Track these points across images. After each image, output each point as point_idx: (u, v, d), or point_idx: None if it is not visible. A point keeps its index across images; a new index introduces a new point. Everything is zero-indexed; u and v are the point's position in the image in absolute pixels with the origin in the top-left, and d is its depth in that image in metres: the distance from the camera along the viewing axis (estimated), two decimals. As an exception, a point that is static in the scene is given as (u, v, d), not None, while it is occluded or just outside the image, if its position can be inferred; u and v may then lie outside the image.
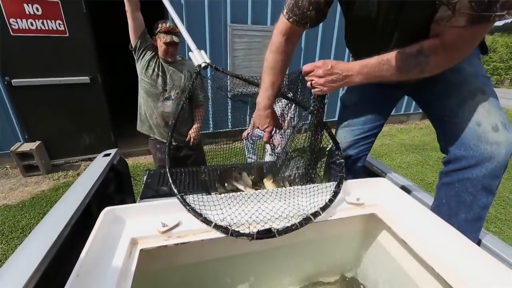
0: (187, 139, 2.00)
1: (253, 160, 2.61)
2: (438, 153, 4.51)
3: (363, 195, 0.87)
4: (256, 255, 0.87)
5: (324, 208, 0.76)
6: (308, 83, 0.87)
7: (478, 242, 0.84)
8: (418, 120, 6.28)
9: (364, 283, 0.93)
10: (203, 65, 1.12)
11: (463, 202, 0.81)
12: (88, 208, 0.98)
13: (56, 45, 3.22)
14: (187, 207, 0.73)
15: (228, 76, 1.28)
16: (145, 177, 1.71)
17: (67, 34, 3.24)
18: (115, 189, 1.38)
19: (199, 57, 1.15)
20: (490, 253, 0.67)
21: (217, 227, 0.68)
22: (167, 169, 0.83)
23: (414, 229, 0.74)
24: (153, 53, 1.86)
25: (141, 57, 1.85)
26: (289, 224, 0.70)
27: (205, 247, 0.76)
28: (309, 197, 0.82)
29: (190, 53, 1.19)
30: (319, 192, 0.82)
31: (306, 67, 0.86)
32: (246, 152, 2.74)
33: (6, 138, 3.42)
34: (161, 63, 1.89)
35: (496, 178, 0.77)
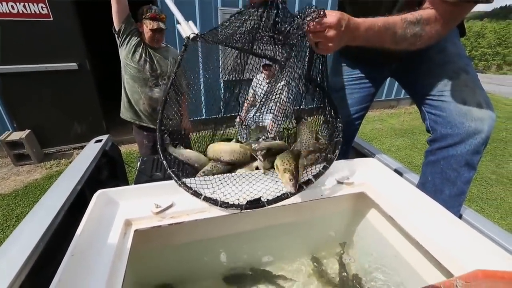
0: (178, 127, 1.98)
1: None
2: (426, 136, 4.62)
3: (352, 174, 0.90)
4: (250, 235, 0.89)
5: (317, 176, 0.74)
6: (312, 43, 0.75)
7: (460, 216, 0.89)
8: (408, 105, 6.34)
9: (354, 257, 0.97)
10: (191, 36, 1.05)
11: (447, 178, 0.84)
12: (81, 193, 0.99)
13: (40, 30, 3.09)
14: (178, 181, 0.72)
15: (220, 58, 1.25)
16: (138, 163, 1.71)
17: (51, 18, 3.10)
18: (109, 175, 1.38)
19: (187, 28, 1.07)
20: (471, 226, 0.71)
21: (207, 199, 0.68)
22: (158, 146, 0.82)
23: (401, 206, 0.77)
24: (139, 39, 1.82)
25: (126, 42, 1.80)
26: (279, 194, 0.70)
27: (199, 227, 0.78)
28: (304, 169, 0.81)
29: (178, 25, 1.12)
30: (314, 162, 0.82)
31: (314, 26, 0.68)
32: (239, 138, 2.74)
33: (-6, 128, 3.34)
34: (148, 49, 1.86)
35: (478, 153, 0.80)
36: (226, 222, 0.81)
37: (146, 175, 1.40)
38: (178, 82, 1.63)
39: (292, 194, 0.69)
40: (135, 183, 1.30)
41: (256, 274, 0.91)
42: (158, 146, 0.82)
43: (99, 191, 0.71)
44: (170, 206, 0.71)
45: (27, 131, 3.32)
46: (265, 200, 0.68)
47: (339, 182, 0.85)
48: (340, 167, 0.92)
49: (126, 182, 1.60)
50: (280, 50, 1.01)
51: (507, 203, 2.86)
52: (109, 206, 0.71)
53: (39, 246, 0.69)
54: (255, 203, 0.67)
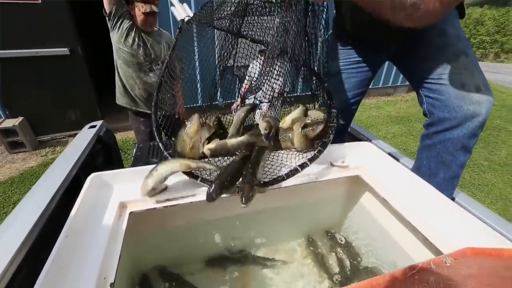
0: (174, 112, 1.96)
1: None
2: (422, 123, 4.65)
3: (348, 158, 0.90)
4: (244, 217, 0.90)
5: (312, 159, 0.74)
6: None
7: (452, 199, 0.90)
8: (405, 92, 6.33)
9: (347, 239, 0.99)
10: (186, 19, 1.03)
11: (443, 162, 0.85)
12: (76, 179, 0.98)
13: (27, 13, 2.98)
14: None
15: (216, 40, 1.22)
16: (134, 150, 1.70)
17: (39, 1, 2.99)
18: (104, 161, 1.37)
19: (181, 11, 1.06)
20: (464, 208, 0.72)
21: (204, 180, 0.68)
22: (154, 128, 0.81)
23: (396, 189, 0.78)
24: (131, 22, 1.76)
25: (118, 25, 1.75)
26: (275, 176, 0.70)
27: (194, 210, 0.78)
28: (299, 153, 0.81)
29: (172, 8, 1.10)
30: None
31: None
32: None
33: (-15, 115, 3.28)
34: (141, 34, 1.80)
35: (474, 137, 0.81)
36: (222, 205, 0.81)
37: (142, 162, 1.40)
38: (172, 66, 1.59)
39: (302, 167, 0.70)
40: (131, 169, 1.29)
41: (250, 256, 0.93)
42: (154, 128, 0.81)
43: (93, 174, 0.71)
44: (165, 189, 0.71)
45: (20, 118, 3.27)
46: (261, 182, 0.68)
47: (334, 166, 0.86)
48: (335, 151, 0.92)
49: (121, 168, 1.60)
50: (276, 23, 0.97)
51: (497, 189, 2.92)
52: (103, 189, 0.70)
53: (34, 230, 0.69)
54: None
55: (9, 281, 0.58)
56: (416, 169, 0.93)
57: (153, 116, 0.84)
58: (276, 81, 1.10)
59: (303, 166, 0.72)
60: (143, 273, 0.82)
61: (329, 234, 1.01)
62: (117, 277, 0.52)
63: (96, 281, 0.49)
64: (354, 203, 0.97)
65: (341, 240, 0.98)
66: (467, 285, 0.45)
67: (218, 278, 0.88)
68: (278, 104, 1.44)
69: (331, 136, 0.78)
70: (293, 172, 0.70)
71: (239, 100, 2.68)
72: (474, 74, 0.80)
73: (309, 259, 0.94)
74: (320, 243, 0.99)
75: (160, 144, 0.78)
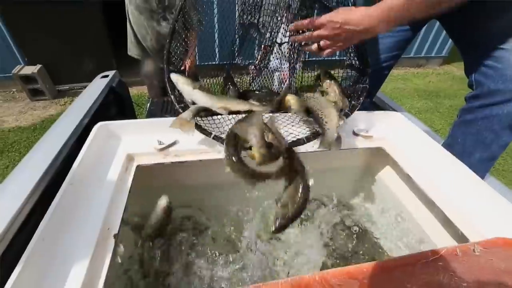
0: (182, 68, 1.86)
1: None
2: (451, 100, 4.29)
3: (372, 128, 0.82)
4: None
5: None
6: (314, 46, 0.70)
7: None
8: (438, 65, 5.78)
9: (363, 215, 0.94)
10: None
11: (482, 140, 0.75)
12: (87, 129, 0.96)
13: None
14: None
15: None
16: (148, 104, 1.67)
17: None
18: (117, 113, 1.35)
19: None
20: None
21: (217, 138, 0.63)
22: (165, 79, 0.75)
23: (422, 165, 0.71)
24: None
25: None
26: (294, 139, 0.64)
27: (203, 168, 0.75)
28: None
29: None
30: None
31: (301, 24, 0.69)
32: (253, 86, 2.62)
33: (6, 61, 3.31)
34: None
35: None
36: None
37: (156, 117, 1.37)
38: (188, 14, 1.45)
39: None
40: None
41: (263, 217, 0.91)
42: (165, 79, 0.74)
43: (100, 123, 0.67)
44: (174, 144, 0.67)
45: (38, 66, 3.28)
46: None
47: (357, 135, 0.78)
48: (360, 119, 0.84)
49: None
50: None
51: (524, 177, 2.75)
52: (110, 140, 0.68)
53: (44, 178, 0.67)
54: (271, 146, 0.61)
55: (22, 224, 0.58)
56: (447, 147, 0.84)
57: (165, 65, 0.77)
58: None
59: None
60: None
61: (343, 204, 0.96)
62: (121, 229, 0.51)
63: (100, 231, 0.48)
64: (373, 177, 0.91)
65: (356, 216, 0.94)
66: (503, 282, 0.40)
67: (224, 236, 0.87)
68: (299, 66, 1.32)
69: (361, 98, 0.70)
70: (314, 136, 0.64)
71: (257, 61, 2.53)
72: None
73: (315, 230, 0.92)
74: (329, 215, 0.95)
75: (173, 97, 0.72)
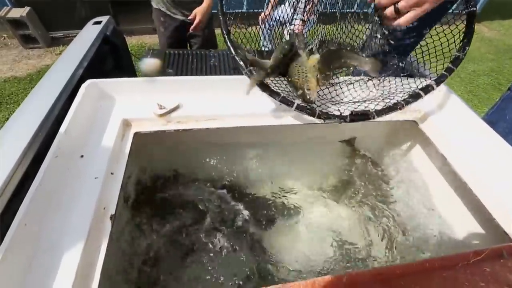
0: (190, 18, 1.64)
1: (268, 49, 2.29)
2: (475, 65, 3.95)
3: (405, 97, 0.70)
4: (277, 148, 0.78)
5: (438, 82, 0.60)
6: (389, 9, 0.52)
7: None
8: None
9: (385, 197, 0.84)
10: None
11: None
12: (79, 85, 0.85)
13: None
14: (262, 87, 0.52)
15: None
16: (148, 56, 1.51)
17: None
18: (113, 68, 1.21)
19: None
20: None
21: (301, 108, 0.52)
22: (223, 31, 0.58)
23: (462, 146, 0.61)
24: None
25: None
26: (391, 104, 0.55)
27: (209, 136, 0.66)
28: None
29: None
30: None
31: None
32: (262, 39, 2.38)
33: (-8, 2, 3.02)
34: None
35: None
36: (249, 132, 0.67)
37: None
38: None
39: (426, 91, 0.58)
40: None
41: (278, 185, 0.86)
42: (223, 31, 0.57)
43: (89, 81, 0.57)
44: (176, 108, 0.58)
45: (27, 8, 3.00)
46: (373, 110, 0.54)
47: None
48: (391, 86, 0.72)
49: (134, 77, 1.45)
50: None
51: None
52: (102, 101, 0.58)
53: (33, 143, 0.59)
54: (362, 116, 0.53)
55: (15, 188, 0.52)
56: (489, 123, 0.74)
57: (221, 16, 0.57)
58: None
59: (427, 89, 0.59)
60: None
61: (365, 187, 0.86)
62: (118, 208, 0.44)
63: (94, 211, 0.41)
64: (400, 155, 0.81)
65: (378, 198, 0.84)
66: None
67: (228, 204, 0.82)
68: (314, 18, 1.13)
69: (467, 47, 0.57)
70: (413, 99, 0.57)
71: (267, 9, 2.25)
72: None
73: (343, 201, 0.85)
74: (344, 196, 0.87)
75: (237, 57, 0.53)
